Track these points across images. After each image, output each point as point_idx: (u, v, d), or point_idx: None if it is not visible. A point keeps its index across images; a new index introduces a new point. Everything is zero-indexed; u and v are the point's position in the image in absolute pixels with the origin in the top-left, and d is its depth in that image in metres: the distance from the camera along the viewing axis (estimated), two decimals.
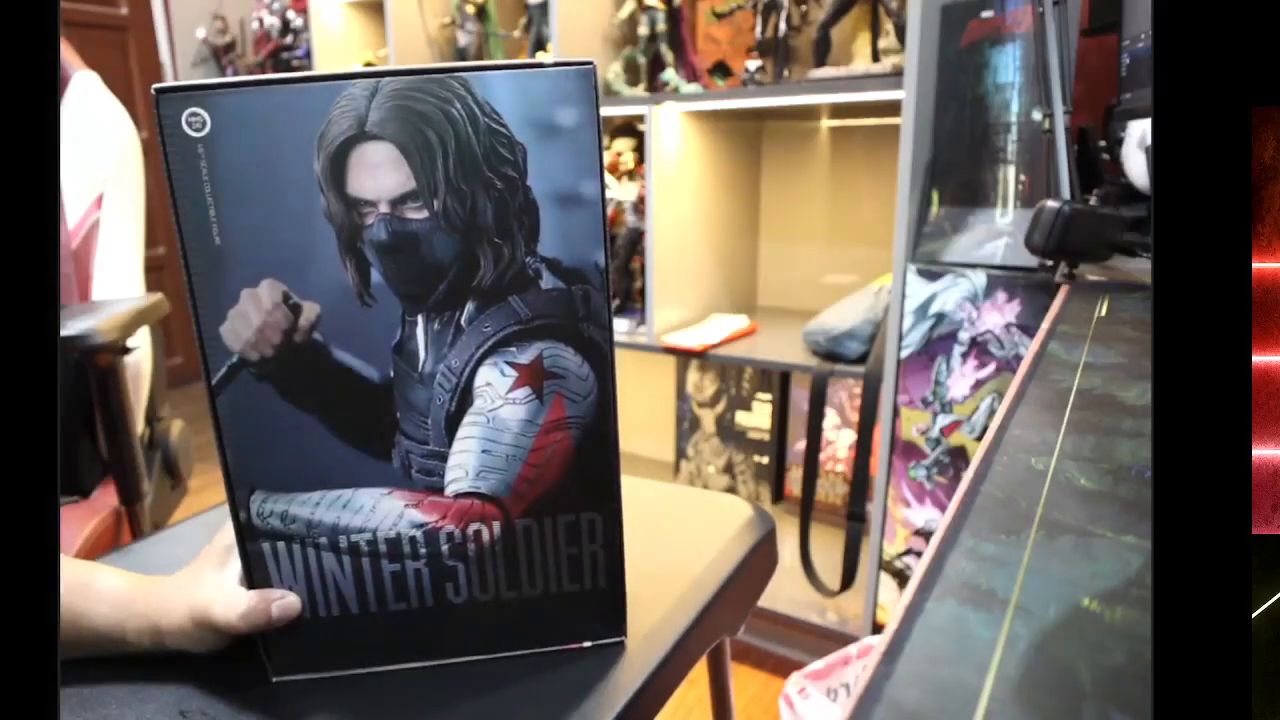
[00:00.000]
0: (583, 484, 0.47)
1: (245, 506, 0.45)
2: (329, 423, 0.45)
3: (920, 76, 1.17)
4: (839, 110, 1.69)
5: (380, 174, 0.41)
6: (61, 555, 0.46)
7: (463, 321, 0.44)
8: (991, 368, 1.16)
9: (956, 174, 1.20)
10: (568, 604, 0.50)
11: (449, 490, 0.46)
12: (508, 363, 0.45)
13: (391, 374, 0.45)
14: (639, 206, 1.66)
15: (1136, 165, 0.84)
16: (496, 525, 0.47)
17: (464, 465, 0.46)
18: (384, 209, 0.42)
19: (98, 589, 0.49)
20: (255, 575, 0.47)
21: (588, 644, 0.51)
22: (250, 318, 0.42)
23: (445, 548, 0.47)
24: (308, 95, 0.40)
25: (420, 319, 0.44)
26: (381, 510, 0.46)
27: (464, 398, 0.45)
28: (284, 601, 0.46)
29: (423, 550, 0.47)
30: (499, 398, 0.45)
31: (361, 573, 0.47)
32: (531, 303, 0.44)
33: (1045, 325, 0.59)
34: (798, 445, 1.76)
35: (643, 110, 1.49)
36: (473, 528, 0.47)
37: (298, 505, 0.45)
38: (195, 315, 0.42)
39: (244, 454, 0.45)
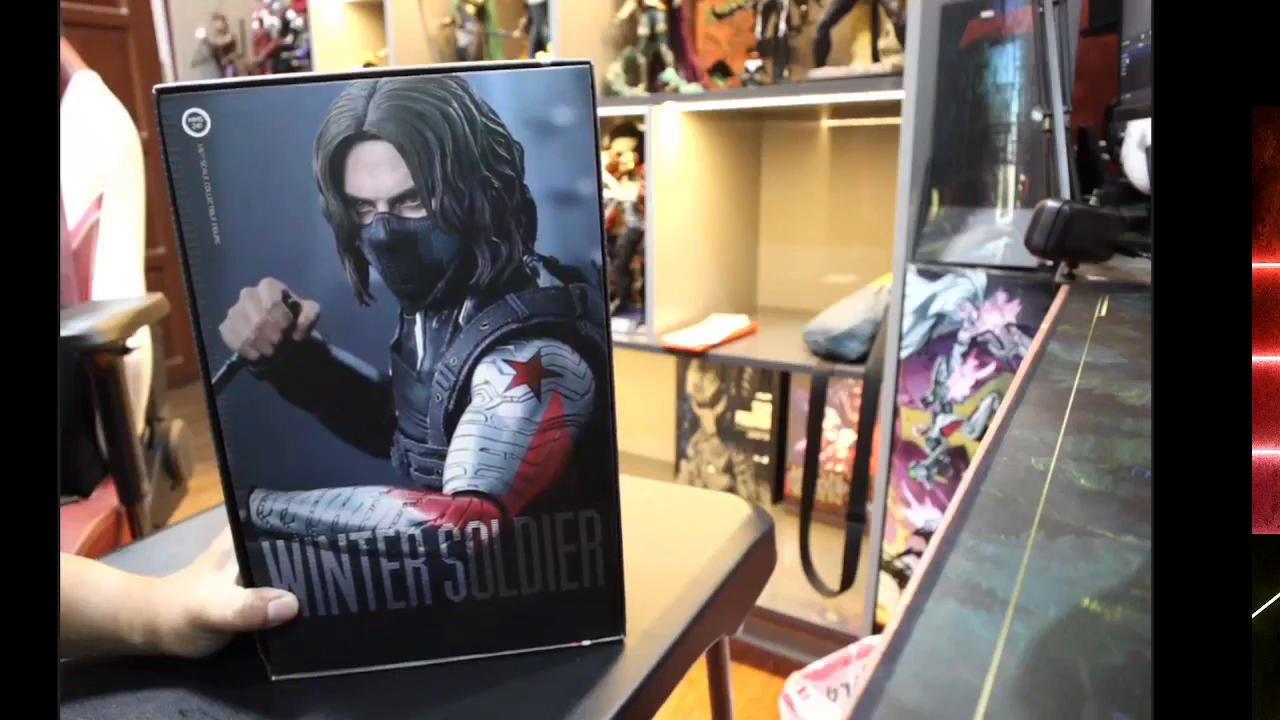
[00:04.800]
0: (581, 482, 0.47)
1: (245, 505, 0.45)
2: (328, 421, 0.45)
3: (920, 76, 1.17)
4: (839, 110, 1.69)
5: (378, 173, 0.41)
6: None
7: (461, 320, 0.44)
8: (991, 368, 1.16)
9: (956, 174, 1.20)
10: (566, 602, 0.50)
11: (447, 488, 0.46)
12: (506, 361, 0.45)
13: (390, 372, 0.45)
14: (639, 206, 1.66)
15: (1136, 165, 0.84)
16: (495, 523, 0.47)
17: (462, 463, 0.46)
18: (382, 208, 0.42)
19: (92, 580, 0.48)
20: (254, 574, 0.47)
21: (586, 643, 0.51)
22: (250, 316, 0.42)
23: (444, 546, 0.47)
24: (306, 95, 0.40)
25: (419, 317, 0.44)
26: (380, 509, 0.46)
27: (462, 396, 0.45)
28: (281, 601, 0.46)
29: (421, 549, 0.47)
30: (497, 396, 0.45)
31: (360, 571, 0.47)
32: (529, 301, 0.44)
33: (1045, 325, 0.59)
34: (798, 445, 1.76)
35: (643, 110, 1.49)
36: (471, 526, 0.47)
37: (297, 504, 0.45)
38: (195, 314, 0.42)
39: (243, 453, 0.45)
